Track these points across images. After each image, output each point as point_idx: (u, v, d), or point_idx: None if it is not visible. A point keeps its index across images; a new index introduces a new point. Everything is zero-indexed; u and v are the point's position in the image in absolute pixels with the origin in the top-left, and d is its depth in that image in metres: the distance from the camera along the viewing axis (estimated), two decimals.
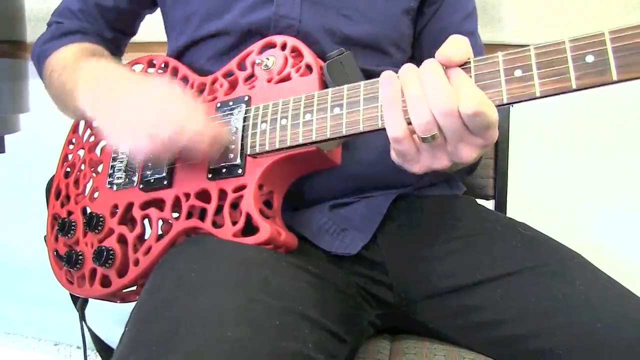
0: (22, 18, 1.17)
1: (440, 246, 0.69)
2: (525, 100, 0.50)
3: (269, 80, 0.65)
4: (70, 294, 0.82)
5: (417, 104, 0.49)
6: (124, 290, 0.70)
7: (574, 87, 0.47)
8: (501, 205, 1.01)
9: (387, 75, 0.52)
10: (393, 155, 0.54)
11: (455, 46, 0.50)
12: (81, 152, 0.82)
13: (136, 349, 0.48)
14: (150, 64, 0.82)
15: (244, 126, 0.64)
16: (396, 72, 0.53)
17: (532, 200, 1.22)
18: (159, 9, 0.84)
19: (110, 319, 1.08)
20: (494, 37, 1.16)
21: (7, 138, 1.15)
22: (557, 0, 1.15)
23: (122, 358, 0.48)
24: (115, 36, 0.87)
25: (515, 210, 0.96)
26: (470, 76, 0.50)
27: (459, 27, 0.78)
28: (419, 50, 0.81)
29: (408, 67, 0.52)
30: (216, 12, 0.72)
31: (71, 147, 0.85)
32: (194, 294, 0.51)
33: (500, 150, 1.00)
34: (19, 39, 1.14)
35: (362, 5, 0.71)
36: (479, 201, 0.82)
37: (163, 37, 0.85)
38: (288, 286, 0.56)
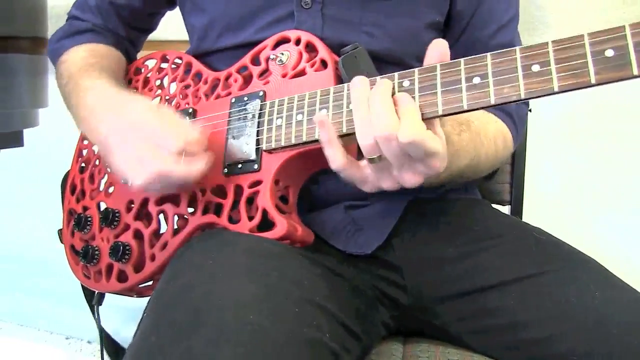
0: (44, 15, 1.19)
1: (455, 249, 0.69)
2: (544, 96, 0.49)
3: (284, 76, 0.65)
4: (83, 290, 0.83)
5: (362, 127, 0.52)
6: (140, 285, 0.71)
7: (593, 82, 0.47)
8: (517, 210, 1.00)
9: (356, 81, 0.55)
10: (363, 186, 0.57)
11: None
12: (96, 148, 0.82)
13: (158, 330, 0.49)
14: (164, 59, 0.82)
15: (259, 122, 0.64)
16: None
17: (548, 206, 1.22)
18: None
19: (121, 316, 1.09)
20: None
21: (26, 132, 1.17)
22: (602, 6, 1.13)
23: (143, 338, 0.49)
24: (130, 33, 0.87)
25: (531, 216, 0.95)
26: (487, 71, 0.50)
27: (488, 41, 0.75)
28: None
29: (361, 86, 0.54)
30: (235, 26, 0.72)
31: (86, 142, 0.85)
32: (213, 281, 0.52)
33: (517, 155, 0.99)
34: (40, 36, 1.15)
35: (384, 21, 0.70)
36: (495, 206, 0.82)
37: (181, 36, 0.84)
38: (306, 278, 0.57)
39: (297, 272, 0.57)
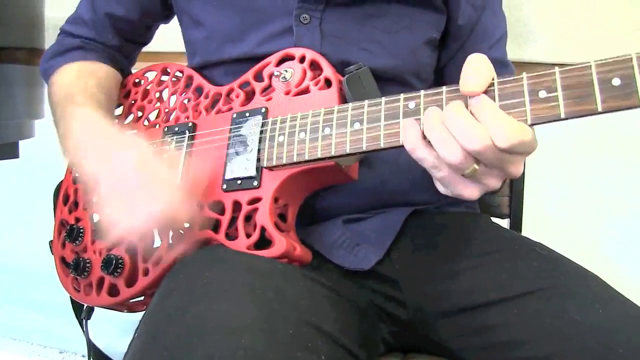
0: (41, 26, 1.18)
1: (455, 264, 0.68)
2: (550, 122, 0.50)
3: (287, 93, 0.65)
4: (72, 303, 0.81)
5: (445, 147, 0.48)
6: (131, 300, 0.69)
7: (600, 110, 0.47)
8: (517, 224, 1.00)
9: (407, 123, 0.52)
10: (440, 187, 0.53)
11: (477, 71, 0.50)
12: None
13: (149, 354, 0.47)
14: (164, 72, 0.82)
15: (260, 138, 0.63)
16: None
17: (548, 219, 1.22)
18: (174, 20, 0.84)
19: (113, 330, 1.07)
20: (523, 56, 1.16)
21: (21, 143, 1.15)
22: (588, 15, 1.14)
23: None
24: (124, 46, 0.87)
25: (531, 229, 0.95)
26: (494, 97, 0.50)
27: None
28: (445, 82, 0.80)
29: (430, 112, 0.51)
30: (233, 39, 0.72)
31: None
32: (208, 301, 0.51)
33: None
34: (37, 47, 1.15)
35: (383, 38, 0.71)
36: (494, 220, 0.82)
37: (178, 48, 0.84)
38: (303, 298, 0.56)
39: (295, 291, 0.56)
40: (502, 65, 0.80)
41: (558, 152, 1.22)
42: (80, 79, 0.77)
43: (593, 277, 0.64)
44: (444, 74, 0.81)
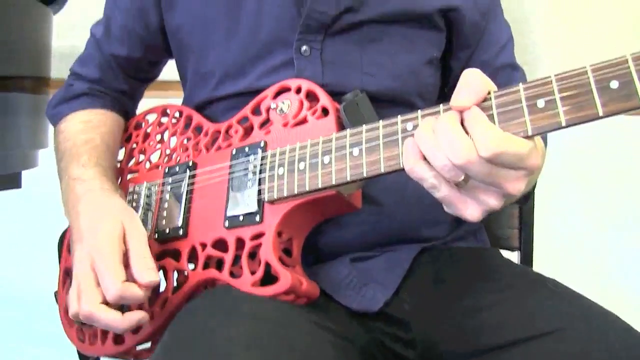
0: (48, 55, 1.18)
1: (468, 302, 0.65)
2: (551, 131, 0.48)
3: (285, 125, 0.65)
4: (79, 355, 0.79)
5: (433, 155, 0.47)
6: (137, 348, 0.67)
7: (601, 114, 0.46)
8: (527, 257, 0.97)
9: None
10: (445, 207, 0.52)
11: (468, 86, 0.49)
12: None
13: None
14: (164, 113, 0.82)
15: (260, 172, 0.63)
16: None
17: (559, 251, 1.18)
18: None
19: None
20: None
21: (24, 173, 1.13)
22: (596, 42, 1.15)
23: None
24: (131, 84, 0.87)
25: (541, 262, 0.92)
26: (492, 109, 0.49)
27: (494, 62, 0.77)
28: None
29: (423, 124, 0.50)
30: (233, 74, 0.72)
31: None
32: (213, 354, 0.49)
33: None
34: (43, 75, 1.14)
35: (383, 60, 0.71)
36: (504, 252, 0.80)
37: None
38: (311, 346, 0.54)
39: (303, 340, 0.54)
40: (512, 70, 0.79)
41: (568, 183, 1.20)
42: (86, 134, 0.78)
43: (612, 316, 0.61)
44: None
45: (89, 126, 0.80)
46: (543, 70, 1.17)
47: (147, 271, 0.60)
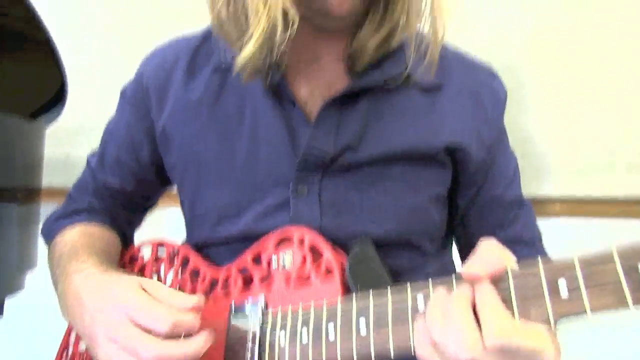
0: (40, 166, 1.16)
1: None
2: (574, 316, 0.45)
3: (287, 282, 0.61)
4: None
5: (443, 344, 0.45)
6: None
7: (631, 303, 0.42)
8: None
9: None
10: None
11: (484, 260, 0.47)
12: (83, 346, 0.76)
13: None
14: (159, 250, 0.79)
15: (260, 336, 0.58)
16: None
17: None
18: None
19: None
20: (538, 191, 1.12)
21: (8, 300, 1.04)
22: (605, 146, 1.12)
23: None
24: (128, 215, 0.85)
25: None
26: (510, 293, 0.46)
27: (502, 198, 0.73)
28: (465, 229, 0.76)
29: (434, 304, 0.48)
30: (228, 216, 0.69)
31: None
32: None
33: None
34: (34, 187, 1.11)
35: (386, 202, 0.66)
36: None
37: None
38: None
39: None
40: (519, 206, 0.75)
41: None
42: (84, 238, 0.75)
43: None
44: (465, 224, 0.76)
45: (85, 234, 0.76)
46: (550, 180, 1.14)
47: (186, 297, 0.57)
